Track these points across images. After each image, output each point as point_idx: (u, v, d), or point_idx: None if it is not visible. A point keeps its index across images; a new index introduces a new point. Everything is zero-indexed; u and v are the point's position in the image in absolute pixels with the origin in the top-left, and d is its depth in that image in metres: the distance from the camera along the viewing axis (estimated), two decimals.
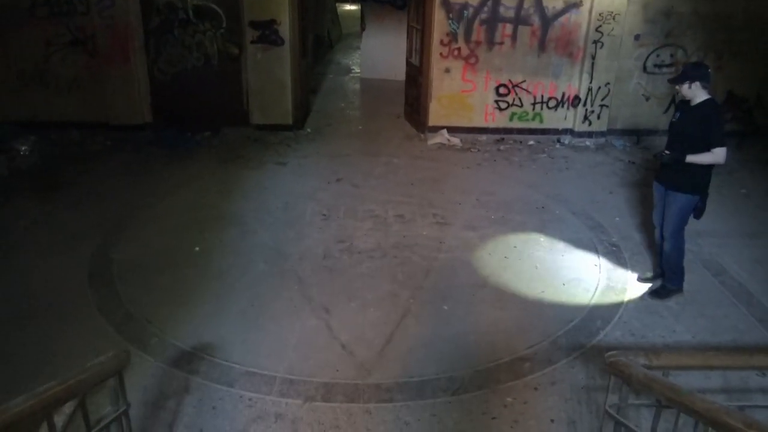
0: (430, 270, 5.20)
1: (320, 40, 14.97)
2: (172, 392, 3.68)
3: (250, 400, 3.64)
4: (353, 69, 14.27)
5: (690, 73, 4.45)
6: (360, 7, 13.67)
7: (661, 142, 5.32)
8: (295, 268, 5.13)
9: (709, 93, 4.49)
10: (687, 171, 4.48)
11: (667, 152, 4.51)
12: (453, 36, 8.38)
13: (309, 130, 9.09)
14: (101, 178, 7.02)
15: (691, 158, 4.39)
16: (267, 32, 8.21)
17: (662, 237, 4.84)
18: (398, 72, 10.85)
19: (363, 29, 12.76)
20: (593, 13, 8.25)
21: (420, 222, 6.08)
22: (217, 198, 6.53)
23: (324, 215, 6.14)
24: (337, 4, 15.03)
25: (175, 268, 5.09)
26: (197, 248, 5.41)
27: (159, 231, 5.77)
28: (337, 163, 7.69)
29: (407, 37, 9.67)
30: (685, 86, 4.44)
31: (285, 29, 8.21)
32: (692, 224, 4.80)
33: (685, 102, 4.58)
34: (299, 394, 3.68)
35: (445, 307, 4.65)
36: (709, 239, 5.83)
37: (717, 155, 4.35)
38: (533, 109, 8.83)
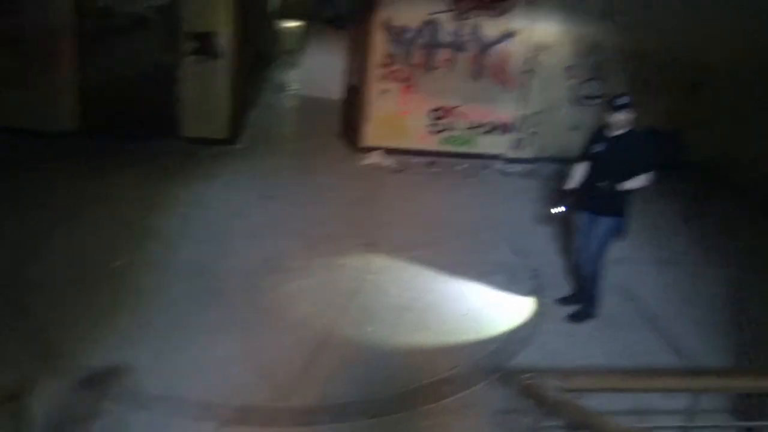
0: (357, 291, 5.19)
1: (259, 55, 14.84)
2: (79, 416, 3.52)
3: (162, 424, 3.52)
4: (291, 86, 14.20)
5: (632, 102, 4.68)
6: (301, 25, 13.69)
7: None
8: (218, 287, 5.03)
9: None
10: (617, 196, 4.72)
11: (607, 182, 4.66)
12: (392, 58, 8.48)
13: (243, 145, 8.95)
14: (18, 188, 6.66)
15: (628, 185, 4.64)
16: (205, 44, 8.06)
17: (583, 261, 5.02)
18: (336, 91, 10.87)
19: (303, 47, 12.76)
20: (528, 44, 8.53)
21: (349, 242, 6.07)
22: (141, 212, 6.31)
23: (252, 233, 6.05)
24: (278, 21, 15.06)
25: (91, 285, 4.91)
26: (118, 263, 5.23)
27: (75, 246, 5.53)
28: (270, 181, 7.60)
29: (347, 57, 9.73)
30: (631, 114, 4.67)
31: (224, 42, 8.09)
32: (609, 252, 4.99)
33: (603, 134, 4.80)
34: (214, 418, 3.59)
35: (370, 329, 4.66)
36: (624, 266, 6.01)
37: (648, 179, 4.66)
38: (467, 133, 9.01)
